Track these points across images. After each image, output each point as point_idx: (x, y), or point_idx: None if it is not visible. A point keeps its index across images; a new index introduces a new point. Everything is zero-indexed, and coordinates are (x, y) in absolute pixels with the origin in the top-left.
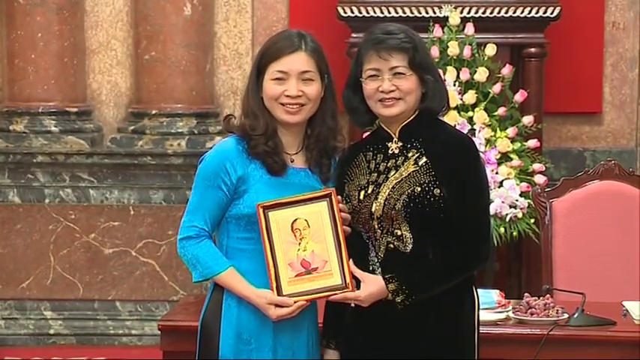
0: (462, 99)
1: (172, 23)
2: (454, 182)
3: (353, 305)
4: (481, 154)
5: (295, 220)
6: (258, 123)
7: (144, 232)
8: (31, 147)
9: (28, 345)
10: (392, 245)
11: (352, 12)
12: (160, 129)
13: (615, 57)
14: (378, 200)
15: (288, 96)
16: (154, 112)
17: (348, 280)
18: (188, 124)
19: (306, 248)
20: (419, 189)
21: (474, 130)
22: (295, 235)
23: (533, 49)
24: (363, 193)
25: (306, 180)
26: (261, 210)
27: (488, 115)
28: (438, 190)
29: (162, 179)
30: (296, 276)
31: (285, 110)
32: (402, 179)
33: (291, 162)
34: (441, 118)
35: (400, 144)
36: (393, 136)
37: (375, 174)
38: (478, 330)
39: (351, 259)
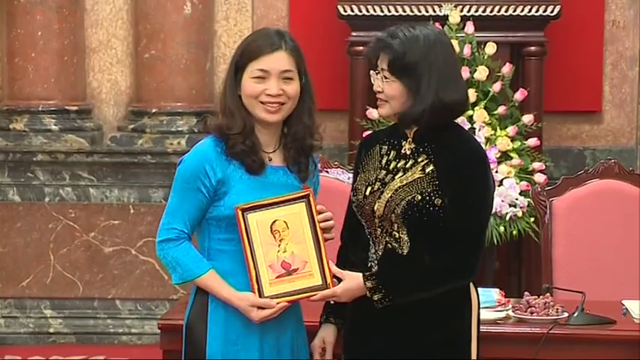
0: None
1: (172, 22)
2: (455, 194)
3: (332, 302)
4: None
5: (274, 221)
6: (235, 122)
7: (144, 230)
8: (31, 145)
9: (28, 344)
10: (390, 245)
11: (352, 10)
12: (159, 127)
13: (615, 56)
14: (381, 200)
15: (268, 95)
16: (154, 110)
17: (328, 280)
18: (188, 123)
19: (286, 249)
20: (419, 197)
21: (474, 128)
22: (275, 237)
23: (533, 48)
24: (369, 189)
25: (284, 178)
26: (239, 212)
27: (489, 114)
28: (440, 200)
29: (162, 178)
30: (277, 277)
31: (264, 109)
32: (405, 184)
33: (269, 160)
34: (460, 125)
35: (413, 146)
36: (408, 136)
37: (384, 171)
38: (478, 329)
39: (330, 262)
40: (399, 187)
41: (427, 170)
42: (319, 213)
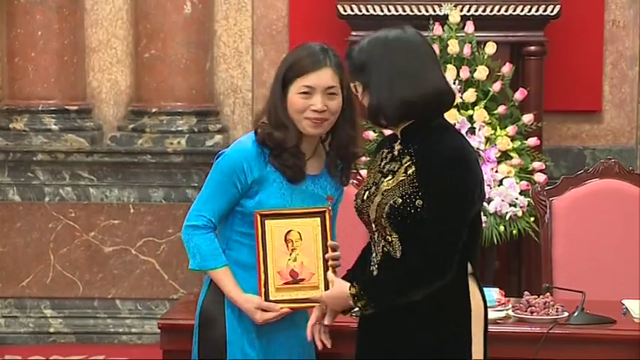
0: (462, 97)
1: (172, 21)
2: (429, 195)
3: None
4: (481, 152)
5: (289, 231)
6: (290, 136)
7: (144, 230)
8: (31, 145)
9: (28, 343)
10: (386, 249)
11: (352, 10)
12: (159, 127)
13: (615, 55)
14: (373, 204)
15: (314, 110)
16: (153, 110)
17: None
18: (188, 123)
19: (297, 259)
20: (400, 200)
21: (474, 128)
22: (287, 246)
23: (533, 48)
24: (367, 193)
25: (312, 187)
26: (259, 217)
27: (488, 114)
28: (421, 202)
29: (162, 177)
30: (284, 284)
31: (309, 123)
32: (391, 187)
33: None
34: (450, 124)
35: (400, 147)
36: (399, 137)
37: (380, 175)
38: (485, 329)
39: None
40: (386, 190)
41: (409, 172)
42: (333, 250)
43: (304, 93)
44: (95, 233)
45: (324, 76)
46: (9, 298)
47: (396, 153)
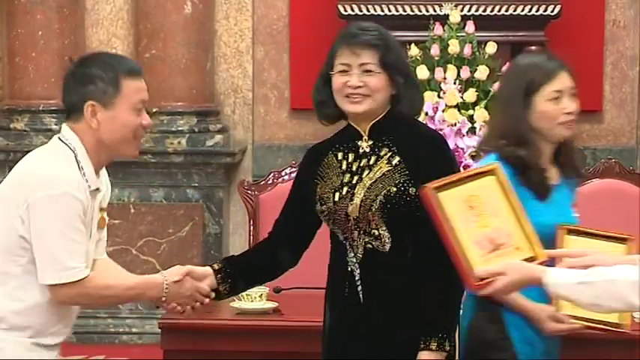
0: (462, 97)
1: (173, 21)
2: (427, 180)
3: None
4: (481, 152)
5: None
6: (533, 151)
7: (144, 230)
8: (32, 145)
9: None
10: (370, 245)
11: (352, 10)
12: (160, 127)
13: (616, 55)
14: (354, 202)
15: (567, 113)
16: (154, 110)
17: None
18: (188, 123)
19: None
20: (394, 189)
21: (475, 128)
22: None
23: (533, 47)
24: (337, 194)
25: (558, 195)
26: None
27: (489, 114)
28: (414, 189)
29: (163, 177)
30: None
31: (565, 125)
32: (376, 179)
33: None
34: (406, 115)
35: (371, 142)
36: (363, 134)
37: (349, 174)
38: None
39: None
40: (371, 185)
41: (394, 162)
42: None
43: (555, 99)
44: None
45: (565, 79)
46: None
47: (366, 149)
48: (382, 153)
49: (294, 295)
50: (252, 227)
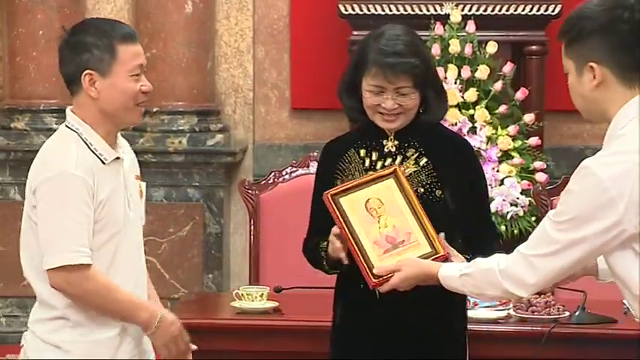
0: (463, 97)
1: (173, 21)
2: (460, 184)
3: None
4: (482, 152)
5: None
6: None
7: (145, 229)
8: (33, 145)
9: None
10: None
11: (353, 9)
12: (161, 127)
13: None
14: None
15: None
16: (155, 109)
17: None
18: (189, 122)
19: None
20: (422, 190)
21: (475, 128)
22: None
23: (534, 47)
24: None
25: None
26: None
27: (490, 113)
28: (440, 192)
29: (164, 177)
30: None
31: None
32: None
33: None
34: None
35: (396, 142)
36: (389, 134)
37: (372, 172)
38: (467, 327)
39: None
40: None
41: (421, 163)
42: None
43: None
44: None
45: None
46: (10, 298)
47: (392, 149)
48: (409, 154)
49: (294, 295)
50: (252, 227)
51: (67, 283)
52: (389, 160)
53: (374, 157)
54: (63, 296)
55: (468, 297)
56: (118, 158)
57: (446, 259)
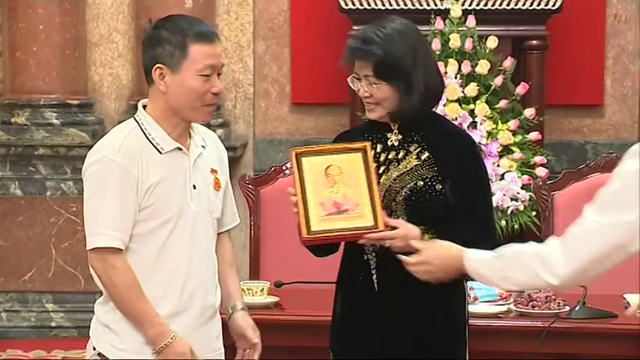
0: (463, 92)
1: None
2: (460, 179)
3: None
4: (482, 146)
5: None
6: None
7: None
8: (33, 139)
9: (29, 337)
10: None
11: (353, 4)
12: None
13: (617, 49)
14: None
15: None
16: None
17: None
18: None
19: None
20: (421, 183)
21: (476, 122)
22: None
23: (534, 42)
24: None
25: None
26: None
27: (490, 108)
28: (440, 186)
29: None
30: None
31: None
32: (404, 172)
33: None
34: (440, 113)
35: (400, 137)
36: (393, 127)
37: (375, 164)
38: (468, 322)
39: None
40: (397, 176)
41: (423, 157)
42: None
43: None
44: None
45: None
46: (11, 292)
47: (395, 143)
48: (412, 148)
49: (295, 290)
50: (253, 222)
51: (98, 267)
52: (392, 154)
53: (378, 150)
54: None
55: (469, 292)
56: (180, 149)
57: (380, 233)
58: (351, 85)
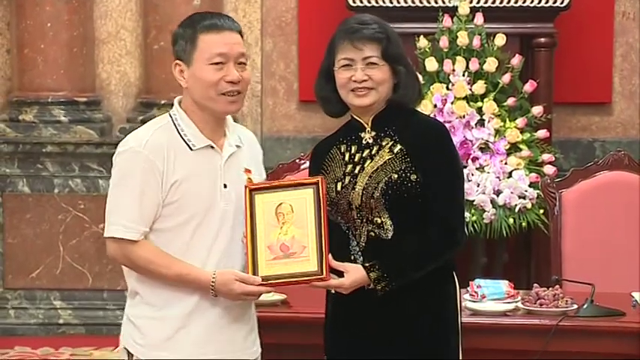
0: (471, 89)
1: (182, 13)
2: (429, 168)
3: (333, 292)
4: (490, 144)
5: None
6: None
7: None
8: (41, 137)
9: (37, 334)
10: (373, 233)
11: (362, 2)
12: None
13: (625, 47)
14: (356, 190)
15: None
16: (162, 102)
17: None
18: None
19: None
20: (396, 176)
21: (483, 120)
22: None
23: (542, 39)
24: (340, 184)
25: None
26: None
27: (498, 106)
28: (415, 176)
29: None
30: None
31: None
32: (378, 168)
33: None
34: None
35: (373, 133)
36: (366, 126)
37: (351, 165)
38: (460, 315)
39: (330, 255)
40: (373, 173)
41: (395, 150)
42: None
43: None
44: (104, 225)
45: None
46: (19, 290)
47: (369, 141)
48: (384, 143)
49: (302, 287)
50: None
51: (116, 253)
52: (367, 152)
53: (353, 151)
54: (130, 271)
55: (475, 289)
56: (212, 147)
57: (325, 281)
58: (339, 74)
